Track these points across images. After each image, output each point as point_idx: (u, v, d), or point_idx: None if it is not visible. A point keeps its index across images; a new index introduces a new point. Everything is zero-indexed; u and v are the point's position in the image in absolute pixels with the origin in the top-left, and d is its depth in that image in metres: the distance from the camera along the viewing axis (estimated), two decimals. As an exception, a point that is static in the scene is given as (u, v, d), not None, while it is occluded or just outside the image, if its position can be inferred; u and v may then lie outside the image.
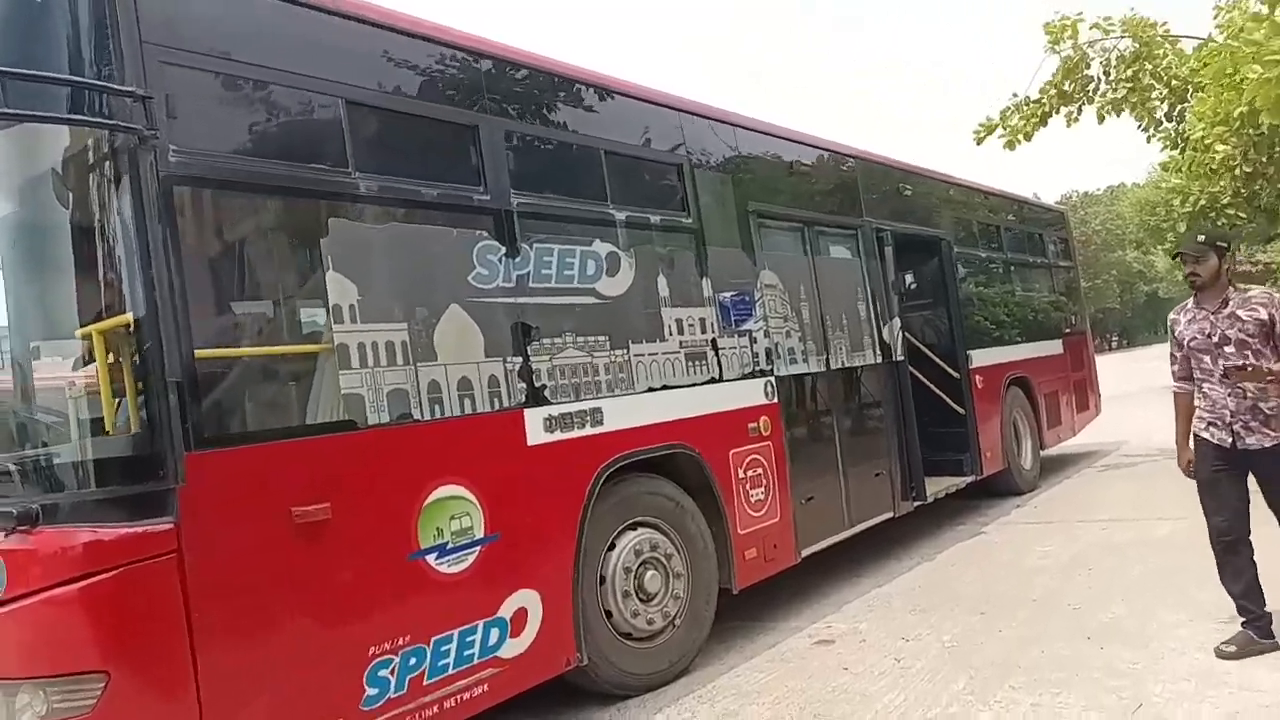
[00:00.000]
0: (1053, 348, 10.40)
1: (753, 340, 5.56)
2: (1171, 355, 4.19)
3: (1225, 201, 8.32)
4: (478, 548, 3.72)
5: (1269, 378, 3.75)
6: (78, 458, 2.98)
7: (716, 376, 5.21)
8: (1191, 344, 3.99)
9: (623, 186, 4.86)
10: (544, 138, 4.54)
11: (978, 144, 10.78)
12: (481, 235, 4.00)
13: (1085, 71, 9.75)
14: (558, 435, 4.16)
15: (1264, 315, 3.81)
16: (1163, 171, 8.35)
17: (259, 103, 3.37)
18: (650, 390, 4.72)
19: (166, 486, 2.79)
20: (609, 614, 4.41)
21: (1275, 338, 3.82)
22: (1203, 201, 8.71)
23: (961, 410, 8.17)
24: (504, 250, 4.07)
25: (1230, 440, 3.92)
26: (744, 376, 5.43)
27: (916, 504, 7.08)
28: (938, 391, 8.28)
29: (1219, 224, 8.72)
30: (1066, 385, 10.64)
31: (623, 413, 4.52)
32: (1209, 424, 4.00)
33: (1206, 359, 3.95)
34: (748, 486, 5.28)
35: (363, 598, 3.30)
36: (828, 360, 6.33)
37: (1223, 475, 3.99)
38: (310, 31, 3.61)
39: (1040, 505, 8.31)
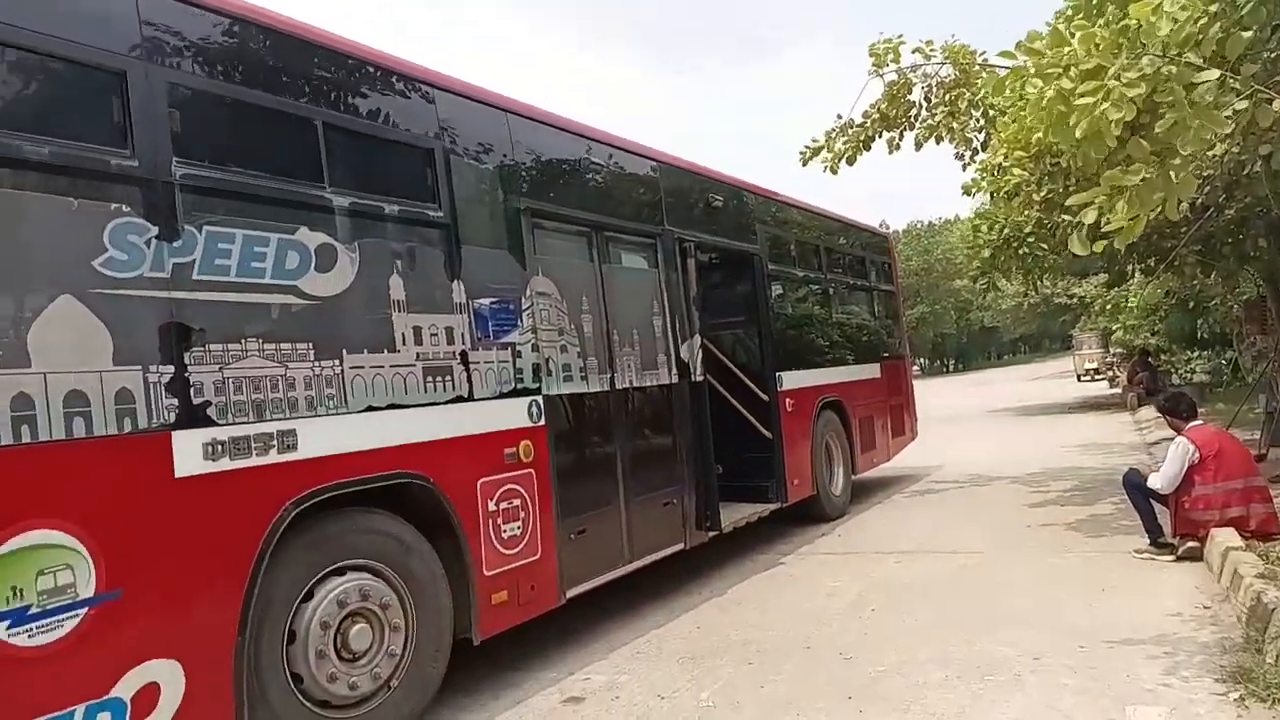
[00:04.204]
0: (870, 371, 10.28)
1: (516, 355, 4.90)
2: None
3: (1028, 230, 8.36)
4: (83, 609, 2.87)
5: None
6: None
7: (465, 395, 4.52)
8: None
9: (347, 167, 4.11)
10: (233, 98, 3.70)
11: (803, 165, 10.53)
12: (119, 210, 3.16)
13: (908, 97, 9.66)
14: (225, 464, 3.35)
15: None
16: (964, 195, 8.22)
17: None
18: (371, 410, 3.98)
19: None
20: (298, 679, 3.63)
21: None
22: (1007, 230, 8.75)
23: (769, 434, 7.81)
24: (154, 231, 3.24)
25: None
26: (502, 395, 4.76)
27: (712, 534, 6.60)
28: (746, 414, 7.90)
29: (1021, 253, 8.78)
30: (883, 410, 10.54)
31: (329, 436, 3.76)
32: None
33: None
34: (500, 521, 4.60)
35: None
36: (612, 379, 5.75)
37: None
38: None
39: (844, 534, 8.03)
